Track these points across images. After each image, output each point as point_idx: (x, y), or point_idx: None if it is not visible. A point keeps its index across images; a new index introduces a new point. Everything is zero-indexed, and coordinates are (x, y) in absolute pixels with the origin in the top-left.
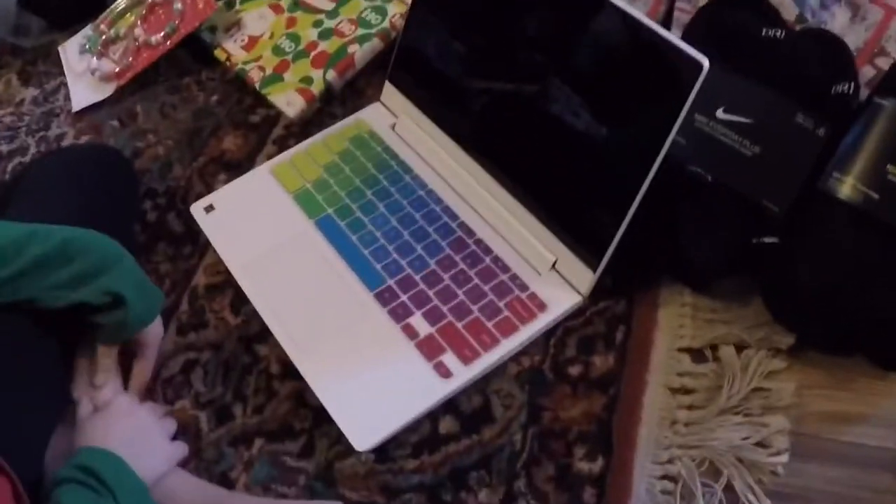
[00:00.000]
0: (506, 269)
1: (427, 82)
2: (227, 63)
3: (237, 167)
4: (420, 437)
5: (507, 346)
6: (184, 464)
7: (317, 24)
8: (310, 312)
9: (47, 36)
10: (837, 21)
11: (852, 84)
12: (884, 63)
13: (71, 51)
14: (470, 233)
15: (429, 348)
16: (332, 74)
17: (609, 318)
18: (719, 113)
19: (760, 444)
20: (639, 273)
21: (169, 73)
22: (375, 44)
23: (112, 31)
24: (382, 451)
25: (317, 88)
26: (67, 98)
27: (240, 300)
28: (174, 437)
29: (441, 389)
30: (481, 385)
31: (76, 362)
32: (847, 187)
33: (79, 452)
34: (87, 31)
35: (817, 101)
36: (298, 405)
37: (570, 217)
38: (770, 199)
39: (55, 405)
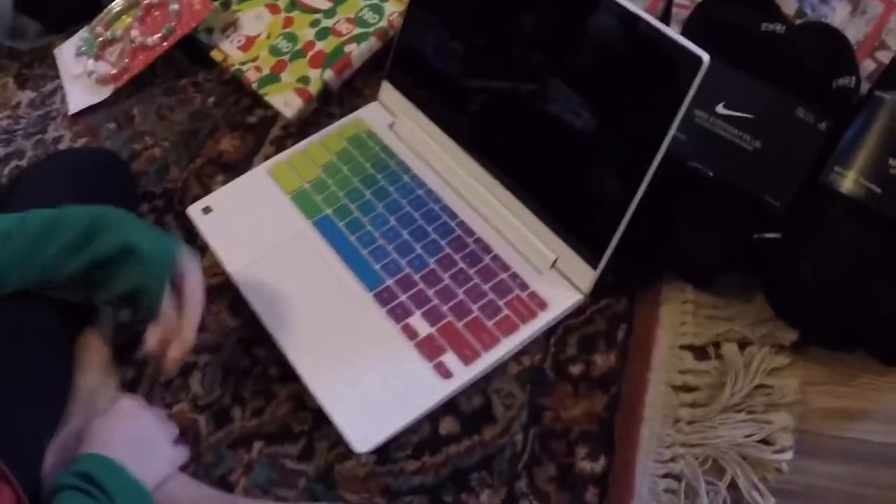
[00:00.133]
0: (506, 267)
1: (425, 81)
2: (224, 64)
3: (234, 168)
4: (420, 438)
5: (508, 345)
6: (183, 467)
7: (314, 23)
8: (308, 314)
9: (44, 39)
10: (837, 15)
11: (853, 78)
12: (884, 57)
13: (67, 53)
14: (469, 232)
15: (429, 348)
16: (329, 74)
17: (610, 316)
18: (719, 108)
19: (764, 442)
20: (640, 270)
21: (165, 74)
22: (373, 43)
23: (108, 33)
24: (383, 453)
25: (314, 88)
26: (64, 101)
27: (238, 302)
28: (175, 442)
29: (441, 390)
30: (482, 385)
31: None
32: (849, 181)
33: (79, 459)
34: (84, 33)
35: (818, 95)
36: (298, 407)
37: (571, 215)
38: (771, 194)
39: (55, 410)
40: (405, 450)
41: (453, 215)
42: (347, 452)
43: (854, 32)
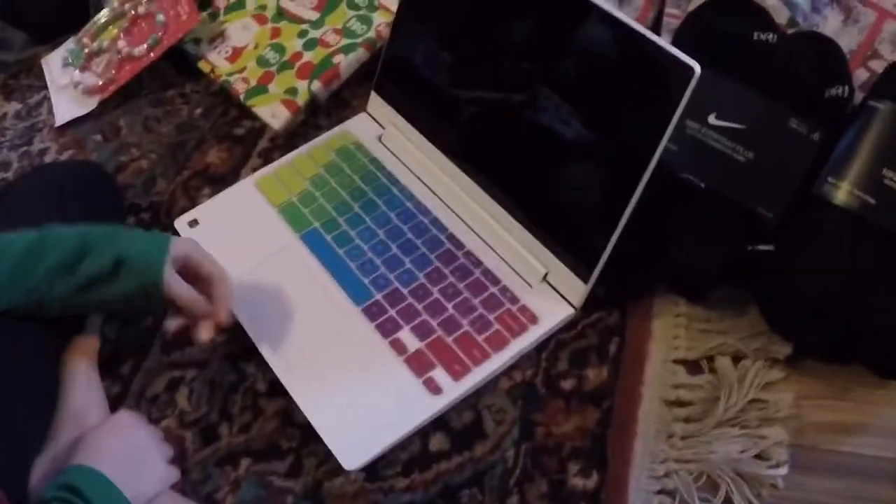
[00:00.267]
0: (496, 281)
1: (414, 92)
2: (211, 75)
3: (222, 181)
4: (410, 454)
5: (499, 360)
6: (173, 487)
7: (301, 34)
8: (296, 328)
9: (30, 50)
10: (829, 24)
11: (846, 87)
12: (877, 66)
13: (54, 64)
14: (459, 245)
15: (418, 364)
16: (317, 85)
17: (602, 329)
18: (711, 119)
19: (759, 457)
20: (632, 284)
21: (152, 85)
22: (361, 54)
23: (95, 44)
24: (372, 470)
25: (302, 100)
26: (50, 112)
27: None
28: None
29: (431, 406)
30: (472, 400)
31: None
32: (842, 192)
33: (66, 471)
34: (70, 44)
35: (811, 105)
36: (285, 424)
37: (561, 227)
38: (764, 205)
39: (42, 425)
40: (395, 467)
41: (442, 228)
42: (336, 469)
43: (847, 41)
